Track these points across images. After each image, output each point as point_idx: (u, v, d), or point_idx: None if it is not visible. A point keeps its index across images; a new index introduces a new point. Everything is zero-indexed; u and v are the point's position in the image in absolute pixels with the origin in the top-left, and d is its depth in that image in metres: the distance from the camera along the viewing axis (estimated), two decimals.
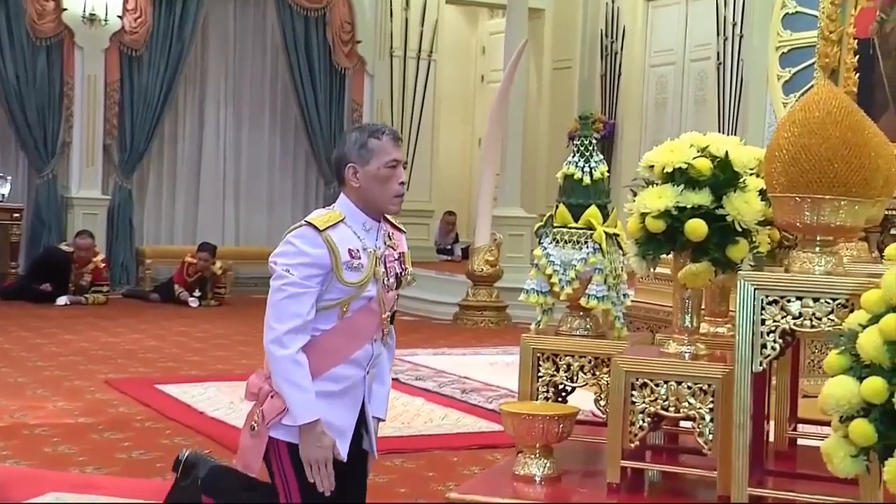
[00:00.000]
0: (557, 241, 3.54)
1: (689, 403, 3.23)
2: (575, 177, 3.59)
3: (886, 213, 4.62)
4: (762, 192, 3.31)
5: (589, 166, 3.61)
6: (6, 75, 11.43)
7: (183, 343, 8.68)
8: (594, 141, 3.67)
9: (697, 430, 3.23)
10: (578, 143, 3.64)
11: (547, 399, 3.52)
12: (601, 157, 3.68)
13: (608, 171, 3.68)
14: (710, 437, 3.21)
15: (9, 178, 11.55)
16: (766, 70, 9.13)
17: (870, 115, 3.30)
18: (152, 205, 12.54)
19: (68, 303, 10.69)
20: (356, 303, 3.08)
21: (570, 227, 3.54)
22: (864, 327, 2.61)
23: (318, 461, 3.00)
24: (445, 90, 14.13)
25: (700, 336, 3.46)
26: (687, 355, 3.35)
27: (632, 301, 3.79)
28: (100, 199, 11.83)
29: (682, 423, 3.56)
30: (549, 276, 3.52)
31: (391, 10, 13.18)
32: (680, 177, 3.31)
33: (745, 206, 3.29)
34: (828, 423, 2.67)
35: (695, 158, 3.33)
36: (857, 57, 6.53)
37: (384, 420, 3.34)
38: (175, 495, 3.56)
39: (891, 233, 5.37)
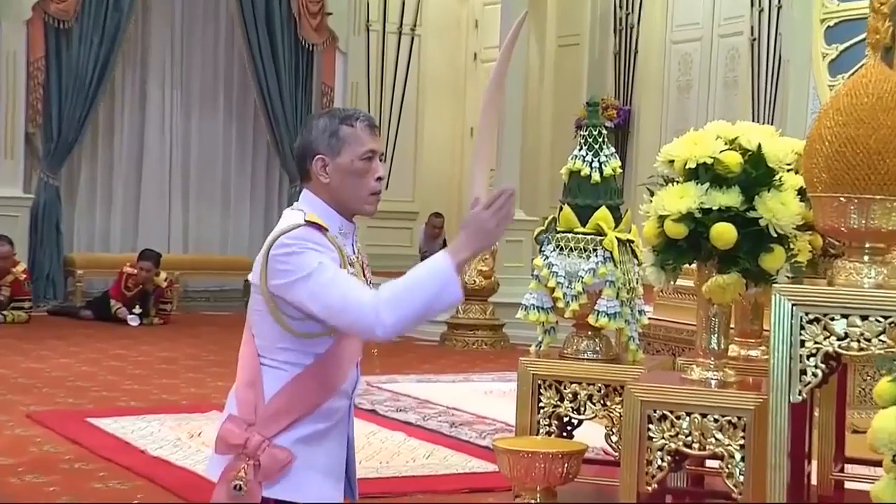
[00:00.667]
0: (562, 249, 3.56)
1: (717, 439, 3.24)
2: (582, 173, 3.62)
3: None
4: (801, 192, 3.33)
5: (598, 161, 3.63)
6: None
7: (120, 369, 8.65)
8: (605, 131, 3.70)
9: (726, 470, 3.25)
10: (586, 133, 3.66)
11: (549, 434, 3.54)
12: (613, 150, 3.71)
13: (621, 167, 3.71)
14: (741, 478, 3.22)
15: None
16: (808, 47, 9.17)
17: None
18: (84, 205, 12.53)
19: None
20: None
21: (577, 233, 3.56)
22: None
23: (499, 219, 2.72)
24: (431, 71, 14.16)
25: (729, 360, 3.48)
26: (713, 383, 3.37)
27: (649, 319, 3.81)
28: (20, 198, 11.79)
29: (709, 463, 3.58)
30: (552, 290, 3.54)
31: None
32: (705, 173, 3.33)
33: (780, 207, 3.31)
34: (879, 463, 2.69)
35: (722, 152, 3.35)
36: None
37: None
38: None
39: None
